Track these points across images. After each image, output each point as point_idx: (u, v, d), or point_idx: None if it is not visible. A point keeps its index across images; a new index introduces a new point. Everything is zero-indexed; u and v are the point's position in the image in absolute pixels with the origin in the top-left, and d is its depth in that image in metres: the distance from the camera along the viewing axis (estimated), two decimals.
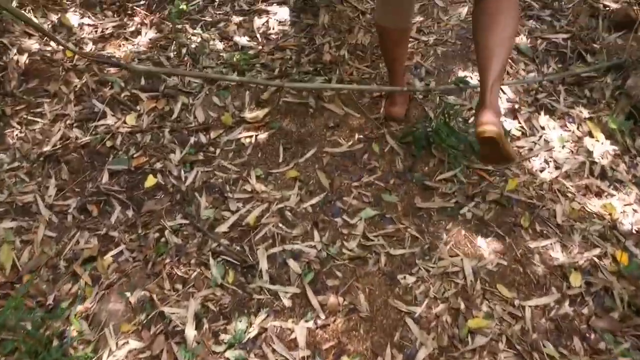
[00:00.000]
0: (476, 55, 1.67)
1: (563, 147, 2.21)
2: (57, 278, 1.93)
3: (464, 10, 2.91)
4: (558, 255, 1.84)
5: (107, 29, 3.02)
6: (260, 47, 2.82)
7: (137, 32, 3.00)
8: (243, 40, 2.89)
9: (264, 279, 1.85)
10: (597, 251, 1.84)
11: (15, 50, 2.74)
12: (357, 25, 2.90)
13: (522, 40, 2.71)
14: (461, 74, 2.55)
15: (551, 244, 1.87)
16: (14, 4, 2.97)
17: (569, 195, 2.03)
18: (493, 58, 1.57)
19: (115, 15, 3.14)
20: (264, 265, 1.88)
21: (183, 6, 2.97)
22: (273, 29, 2.95)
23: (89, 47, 2.86)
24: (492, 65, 1.57)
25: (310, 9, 3.06)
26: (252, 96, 2.53)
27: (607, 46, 2.64)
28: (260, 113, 2.43)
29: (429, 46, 2.73)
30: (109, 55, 2.82)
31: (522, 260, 1.83)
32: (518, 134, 2.27)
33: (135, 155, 2.30)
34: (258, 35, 2.91)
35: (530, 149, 2.21)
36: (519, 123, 2.31)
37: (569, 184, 2.07)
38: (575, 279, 1.75)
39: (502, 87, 2.43)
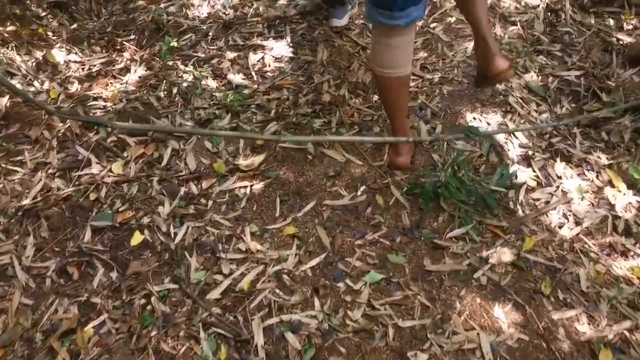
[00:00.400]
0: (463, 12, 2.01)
1: (582, 198, 2.04)
2: (33, 354, 1.75)
3: (469, 46, 2.76)
4: (585, 328, 1.67)
5: (94, 65, 2.88)
6: (255, 86, 2.67)
7: (126, 69, 2.85)
8: (237, 78, 2.73)
9: (259, 356, 1.67)
10: (627, 324, 1.66)
11: None
12: (357, 62, 2.75)
13: (533, 78, 2.56)
14: (469, 116, 2.40)
15: (577, 315, 1.70)
16: (7, 50, 2.83)
17: (592, 255, 1.86)
18: (483, 12, 1.86)
19: (103, 51, 3.00)
20: (259, 339, 1.71)
21: (174, 43, 2.82)
22: (269, 65, 2.80)
23: (75, 87, 2.71)
24: (483, 17, 1.86)
25: (308, 43, 2.91)
26: (247, 141, 2.37)
27: (622, 84, 2.49)
28: (255, 160, 2.27)
29: (434, 85, 2.57)
30: (95, 95, 2.66)
31: (546, 335, 1.65)
32: (533, 184, 2.11)
33: (120, 209, 2.14)
34: (253, 73, 2.76)
35: (547, 202, 2.04)
36: (534, 171, 2.15)
37: (592, 242, 1.90)
38: (606, 357, 1.58)
39: (515, 132, 2.28)
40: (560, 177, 2.13)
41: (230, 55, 2.88)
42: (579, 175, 2.14)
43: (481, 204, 2.00)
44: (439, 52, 2.76)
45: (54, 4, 3.25)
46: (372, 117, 2.45)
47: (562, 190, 2.08)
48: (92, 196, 2.18)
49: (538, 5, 2.98)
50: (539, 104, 2.46)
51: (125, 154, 2.36)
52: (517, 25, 2.86)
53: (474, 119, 2.38)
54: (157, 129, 2.39)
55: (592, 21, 2.86)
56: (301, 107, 2.52)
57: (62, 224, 2.10)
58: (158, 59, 2.86)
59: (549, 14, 2.93)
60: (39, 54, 2.88)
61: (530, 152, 2.22)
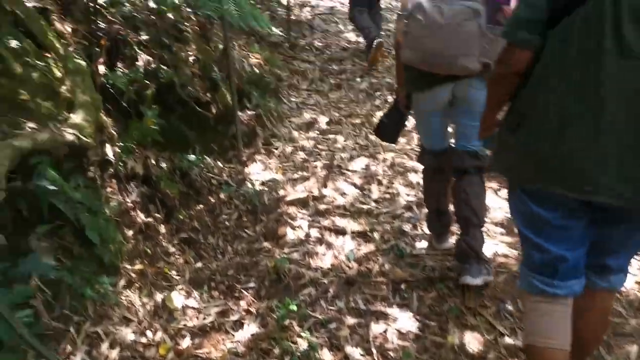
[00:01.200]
0: None
1: None
2: None
3: (633, 349, 2.33)
4: None
5: (209, 315, 2.77)
6: None
7: (240, 323, 2.71)
8: (356, 353, 2.47)
9: None
10: None
11: (108, 343, 2.51)
12: (493, 353, 2.39)
13: None
14: None
15: None
16: (130, 292, 2.84)
17: None
18: None
19: (221, 297, 2.92)
20: None
21: (293, 306, 2.67)
22: (392, 342, 2.53)
23: (186, 343, 2.58)
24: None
25: (436, 318, 2.63)
26: None
27: None
28: None
29: None
30: (204, 355, 2.51)
31: None
32: None
33: None
34: (374, 350, 2.48)
35: None
36: None
37: None
38: None
39: None
40: None
41: (350, 320, 2.67)
42: None
43: None
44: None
45: (184, 239, 3.33)
46: None
47: None
48: None
49: None
50: None
51: None
52: None
53: None
54: None
55: None
56: None
57: None
58: (274, 315, 2.71)
59: None
60: (159, 297, 2.85)
61: None
